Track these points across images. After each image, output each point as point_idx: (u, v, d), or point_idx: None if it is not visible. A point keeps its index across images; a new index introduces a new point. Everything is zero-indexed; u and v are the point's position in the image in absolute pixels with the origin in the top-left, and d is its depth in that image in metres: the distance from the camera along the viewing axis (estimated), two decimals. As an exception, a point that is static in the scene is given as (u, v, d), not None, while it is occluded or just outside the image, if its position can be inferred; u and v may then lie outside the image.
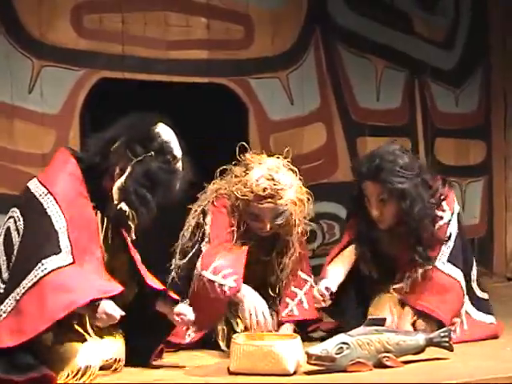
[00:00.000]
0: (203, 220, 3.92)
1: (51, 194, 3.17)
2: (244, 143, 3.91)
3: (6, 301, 3.05)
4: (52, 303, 2.98)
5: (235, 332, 3.69)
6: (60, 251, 3.08)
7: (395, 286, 3.94)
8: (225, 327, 3.81)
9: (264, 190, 3.74)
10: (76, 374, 3.06)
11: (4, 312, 3.04)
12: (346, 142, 5.97)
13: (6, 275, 3.14)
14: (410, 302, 3.84)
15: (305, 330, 3.99)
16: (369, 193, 3.79)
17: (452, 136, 6.38)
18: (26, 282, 3.03)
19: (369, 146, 5.96)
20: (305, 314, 3.98)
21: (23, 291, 3.03)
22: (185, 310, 3.39)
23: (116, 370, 3.27)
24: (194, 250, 3.91)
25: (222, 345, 3.74)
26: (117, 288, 3.17)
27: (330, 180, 5.92)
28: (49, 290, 3.00)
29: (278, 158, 3.91)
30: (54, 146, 5.04)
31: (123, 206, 3.21)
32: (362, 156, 3.88)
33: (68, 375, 3.05)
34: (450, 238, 3.89)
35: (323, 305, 3.75)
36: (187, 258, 3.91)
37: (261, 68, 5.68)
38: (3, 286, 3.12)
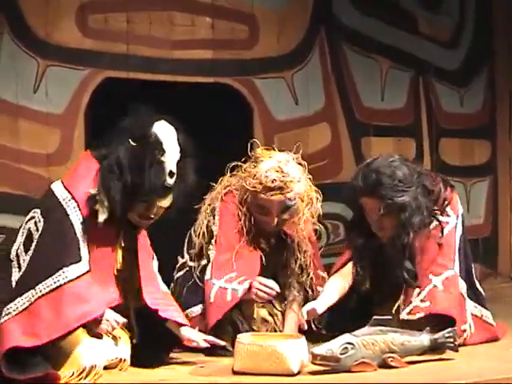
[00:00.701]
0: (212, 219, 3.92)
1: (75, 200, 3.21)
2: (256, 140, 3.92)
3: (19, 299, 3.08)
4: (69, 312, 3.03)
5: (240, 332, 3.69)
6: (80, 260, 3.12)
7: (409, 308, 3.74)
8: (230, 327, 3.81)
9: (273, 181, 3.74)
10: (81, 374, 3.07)
11: (14, 310, 3.05)
12: (350, 142, 5.96)
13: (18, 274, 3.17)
14: (448, 312, 3.66)
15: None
16: (368, 208, 3.74)
17: (457, 136, 6.37)
18: (44, 287, 3.06)
19: (373, 145, 5.97)
20: None
21: (39, 294, 3.06)
22: (195, 337, 3.39)
23: (121, 369, 3.27)
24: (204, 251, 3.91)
25: (227, 344, 3.74)
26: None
27: (335, 180, 5.91)
28: (67, 298, 3.04)
29: (287, 153, 3.93)
30: (58, 145, 5.05)
31: (91, 190, 3.21)
32: (358, 170, 3.79)
33: (73, 374, 3.06)
34: (455, 231, 3.85)
35: (303, 328, 3.72)
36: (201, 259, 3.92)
37: (266, 68, 5.68)
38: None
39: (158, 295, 3.41)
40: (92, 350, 3.12)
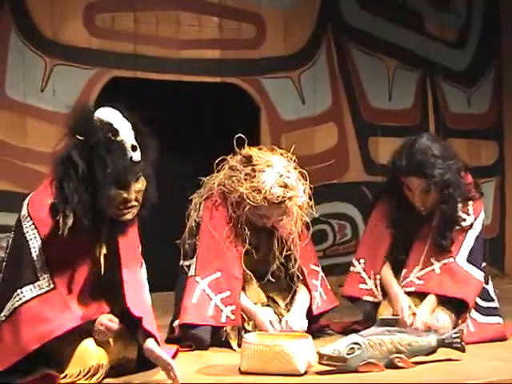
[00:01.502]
0: (199, 213, 3.90)
1: (30, 218, 3.09)
2: (241, 135, 3.84)
3: None
4: (27, 334, 2.96)
5: (246, 331, 3.69)
6: (37, 279, 3.02)
7: (406, 281, 3.94)
8: (235, 328, 3.81)
9: (278, 197, 3.71)
10: (87, 373, 3.06)
11: None
12: (357, 142, 5.97)
13: None
14: (440, 291, 3.85)
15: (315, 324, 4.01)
16: (413, 187, 3.85)
17: (464, 136, 6.37)
18: (6, 311, 3.03)
19: (380, 146, 5.97)
20: (326, 305, 4.03)
21: (3, 319, 3.03)
22: (168, 362, 3.11)
23: (128, 369, 3.26)
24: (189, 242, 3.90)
25: (234, 344, 3.74)
26: (99, 311, 3.13)
27: (342, 180, 5.91)
28: (23, 321, 2.98)
29: (282, 155, 3.86)
30: (65, 144, 5.05)
31: (50, 200, 3.05)
32: (400, 150, 3.89)
33: (79, 373, 3.05)
34: (469, 231, 3.94)
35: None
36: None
37: (272, 67, 5.68)
38: None
39: (140, 303, 3.23)
40: (98, 350, 3.11)
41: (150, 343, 3.12)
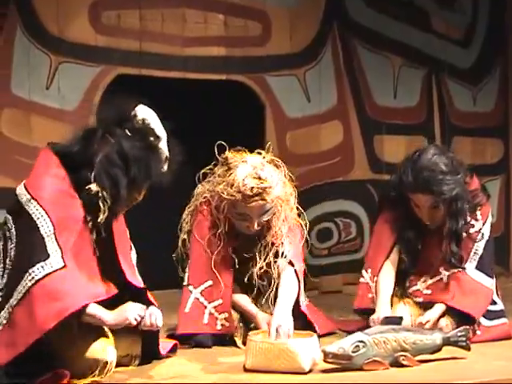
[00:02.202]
0: (189, 227, 3.93)
1: (35, 199, 3.10)
2: (222, 142, 3.83)
3: (1, 313, 3.03)
4: (41, 313, 2.95)
5: (251, 329, 3.69)
6: (48, 257, 3.02)
7: (412, 289, 3.94)
8: (241, 324, 3.81)
9: (251, 189, 3.68)
10: (93, 371, 3.06)
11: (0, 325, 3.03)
12: (362, 140, 5.95)
13: (1, 282, 3.10)
14: (447, 301, 3.82)
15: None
16: (420, 203, 3.81)
17: (469, 135, 6.35)
18: (17, 294, 3.00)
19: (385, 144, 5.96)
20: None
21: (15, 303, 3.00)
22: (157, 313, 3.22)
23: (133, 366, 3.27)
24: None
25: (239, 342, 3.75)
26: (110, 291, 3.17)
27: (347, 178, 5.90)
28: (37, 300, 2.96)
29: (259, 153, 3.87)
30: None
31: (93, 186, 3.10)
32: (405, 166, 3.82)
33: (85, 372, 3.06)
34: (478, 238, 3.91)
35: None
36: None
37: (278, 65, 5.67)
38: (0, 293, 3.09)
39: (137, 278, 3.34)
40: (104, 347, 3.11)
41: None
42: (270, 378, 3.16)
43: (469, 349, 3.48)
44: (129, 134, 3.13)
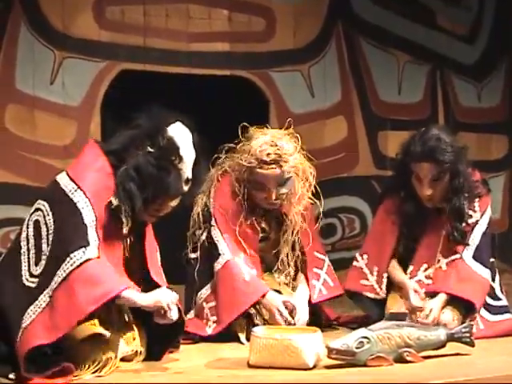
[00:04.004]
0: (209, 200, 3.93)
1: (81, 190, 3.16)
2: (246, 123, 3.90)
3: (41, 296, 3.05)
4: (83, 297, 2.98)
5: (255, 325, 3.70)
6: (88, 244, 3.08)
7: (414, 280, 3.95)
8: (245, 319, 3.81)
9: (268, 155, 3.76)
10: (97, 366, 3.07)
11: (39, 308, 3.04)
12: (367, 136, 5.95)
13: (36, 268, 3.13)
14: (448, 290, 3.84)
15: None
16: (423, 174, 3.84)
17: (474, 130, 6.34)
18: (57, 278, 3.03)
19: (390, 139, 5.95)
20: (333, 291, 4.04)
21: (55, 286, 3.03)
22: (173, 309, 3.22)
23: (137, 362, 3.27)
24: (203, 237, 3.91)
25: (242, 337, 3.75)
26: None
27: (351, 174, 5.91)
28: (79, 283, 3.00)
29: (280, 129, 3.94)
30: (75, 137, 5.06)
31: (112, 199, 3.17)
32: (412, 138, 3.90)
33: (89, 366, 3.06)
34: (475, 228, 3.93)
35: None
36: (199, 250, 3.92)
37: (282, 61, 5.67)
38: (35, 280, 3.11)
39: (162, 277, 3.39)
40: (108, 343, 3.12)
41: None
42: (273, 373, 3.16)
43: (473, 345, 3.47)
44: (151, 149, 3.17)
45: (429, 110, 6.19)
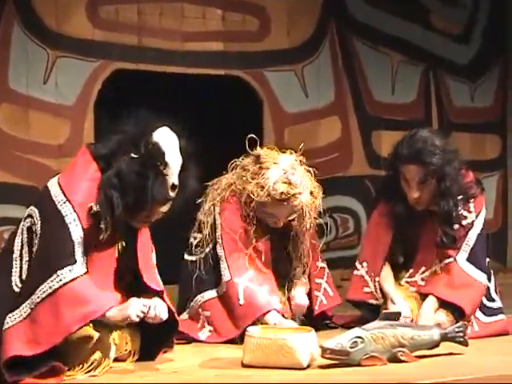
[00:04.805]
0: (214, 217, 3.91)
1: (69, 202, 3.13)
2: (253, 136, 3.86)
3: (23, 306, 3.05)
4: (67, 316, 2.98)
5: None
6: (75, 262, 3.07)
7: (409, 280, 3.96)
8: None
9: (281, 194, 3.74)
10: (90, 366, 3.07)
11: (19, 316, 3.04)
12: (360, 136, 5.96)
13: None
14: (436, 293, 3.85)
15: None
16: (410, 176, 3.83)
17: (467, 130, 6.36)
18: (41, 292, 3.03)
19: (384, 139, 5.96)
20: (331, 300, 4.06)
21: (38, 300, 3.02)
22: (161, 306, 3.21)
23: (131, 362, 3.27)
24: (207, 250, 3.90)
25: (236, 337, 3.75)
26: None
27: (345, 173, 5.91)
28: (64, 302, 3.00)
29: (291, 153, 3.89)
30: (68, 136, 5.05)
31: (93, 205, 3.13)
32: (401, 140, 3.91)
33: (83, 366, 3.06)
34: (471, 229, 3.93)
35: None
36: (200, 257, 3.91)
37: (276, 60, 5.67)
38: (21, 285, 3.12)
39: (156, 281, 3.36)
40: (102, 343, 3.11)
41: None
42: (267, 373, 3.16)
43: (466, 344, 3.48)
44: (134, 156, 3.13)
45: (422, 109, 6.20)
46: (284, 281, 3.95)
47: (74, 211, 3.12)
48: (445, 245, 3.89)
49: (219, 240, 3.86)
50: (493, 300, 3.99)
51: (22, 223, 3.22)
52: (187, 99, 5.44)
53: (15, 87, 4.98)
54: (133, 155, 3.12)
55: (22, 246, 3.18)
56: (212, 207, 3.92)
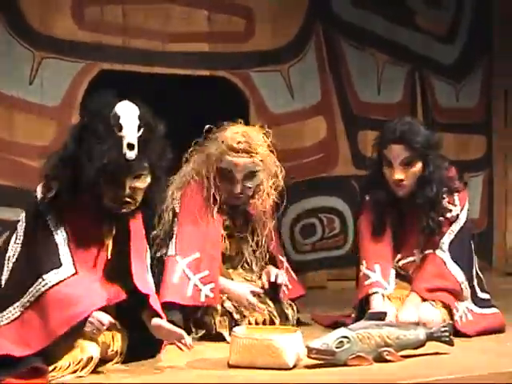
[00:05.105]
0: (177, 202, 3.95)
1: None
2: (211, 126, 4.02)
3: (10, 308, 3.07)
4: (55, 318, 3.00)
5: (235, 320, 3.77)
6: (60, 265, 3.08)
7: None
8: (225, 317, 3.82)
9: (238, 143, 3.85)
10: (77, 365, 3.06)
11: (6, 319, 3.06)
12: (346, 136, 5.96)
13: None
14: (419, 292, 3.86)
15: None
16: (393, 156, 3.85)
17: (452, 130, 6.37)
18: (29, 296, 3.05)
19: (369, 140, 5.95)
20: (292, 292, 4.10)
21: (27, 304, 3.05)
22: (180, 332, 3.23)
23: (117, 362, 3.26)
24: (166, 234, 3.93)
25: (226, 335, 3.75)
26: (119, 296, 3.21)
27: (331, 174, 5.91)
28: (51, 304, 3.02)
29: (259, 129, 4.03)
30: (53, 138, 5.03)
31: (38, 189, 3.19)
32: (388, 125, 3.97)
33: (69, 366, 3.05)
34: (454, 222, 3.95)
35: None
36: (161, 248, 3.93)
37: (262, 61, 5.67)
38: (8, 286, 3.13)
39: (146, 283, 3.35)
40: (89, 343, 3.11)
41: (157, 320, 3.22)
42: (253, 373, 3.16)
43: (452, 344, 3.49)
44: (86, 120, 3.12)
45: (408, 110, 6.21)
46: (249, 265, 4.00)
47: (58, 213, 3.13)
48: (431, 230, 3.91)
49: (177, 219, 3.90)
50: (486, 292, 4.01)
51: (16, 227, 3.22)
52: (172, 100, 5.43)
53: (0, 88, 4.95)
54: (85, 119, 3.12)
55: (11, 250, 3.19)
56: (174, 191, 3.96)
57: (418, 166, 3.87)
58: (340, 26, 5.94)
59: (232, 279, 3.94)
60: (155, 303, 3.28)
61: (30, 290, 3.05)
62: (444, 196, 3.93)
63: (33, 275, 3.07)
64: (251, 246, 4.02)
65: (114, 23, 5.25)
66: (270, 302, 3.95)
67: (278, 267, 4.07)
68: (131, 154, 3.07)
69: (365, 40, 6.02)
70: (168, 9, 5.38)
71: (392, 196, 3.93)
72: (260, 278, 4.01)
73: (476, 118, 6.55)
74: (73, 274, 3.08)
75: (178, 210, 3.92)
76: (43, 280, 3.04)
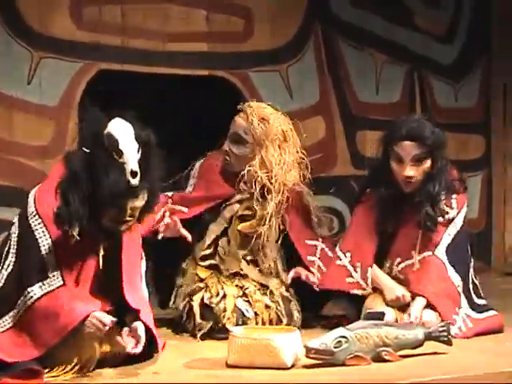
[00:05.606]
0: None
1: (38, 215, 3.13)
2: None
3: (6, 317, 3.10)
4: (43, 331, 3.02)
5: (243, 319, 3.79)
6: (46, 277, 3.08)
7: (388, 272, 4.00)
8: (235, 314, 3.82)
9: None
10: (74, 367, 3.06)
11: (2, 327, 3.09)
12: (345, 136, 5.96)
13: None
14: (425, 294, 3.85)
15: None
16: (405, 153, 3.87)
17: (451, 130, 6.34)
18: (19, 307, 3.08)
19: (368, 140, 5.96)
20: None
21: (17, 317, 3.08)
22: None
23: (115, 363, 3.26)
24: None
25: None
26: (103, 307, 3.18)
27: (329, 174, 5.91)
28: (37, 318, 3.03)
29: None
30: (52, 138, 5.03)
31: (55, 208, 3.06)
32: (395, 122, 4.03)
33: (67, 366, 3.06)
34: (450, 225, 3.96)
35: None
36: None
37: (260, 61, 5.67)
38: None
39: (138, 296, 3.31)
40: (87, 344, 3.10)
41: (138, 323, 3.19)
42: (252, 373, 3.16)
43: (450, 344, 3.49)
44: (86, 150, 3.05)
45: (407, 110, 6.20)
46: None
47: (44, 225, 3.12)
48: (427, 227, 3.91)
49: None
50: (482, 298, 4.01)
51: (12, 229, 3.24)
52: (171, 100, 5.44)
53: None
54: (84, 150, 3.06)
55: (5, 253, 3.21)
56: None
57: (428, 163, 3.89)
58: (339, 25, 5.94)
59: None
60: (146, 317, 3.24)
61: (18, 302, 3.07)
62: (443, 197, 3.93)
63: (21, 286, 3.08)
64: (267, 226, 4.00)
65: (112, 23, 5.24)
66: (280, 301, 3.94)
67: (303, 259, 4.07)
68: (135, 182, 3.06)
69: (363, 40, 6.01)
70: (166, 9, 5.37)
71: (394, 193, 3.94)
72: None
73: (475, 117, 6.55)
74: (60, 286, 3.08)
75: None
76: (28, 293, 3.06)
